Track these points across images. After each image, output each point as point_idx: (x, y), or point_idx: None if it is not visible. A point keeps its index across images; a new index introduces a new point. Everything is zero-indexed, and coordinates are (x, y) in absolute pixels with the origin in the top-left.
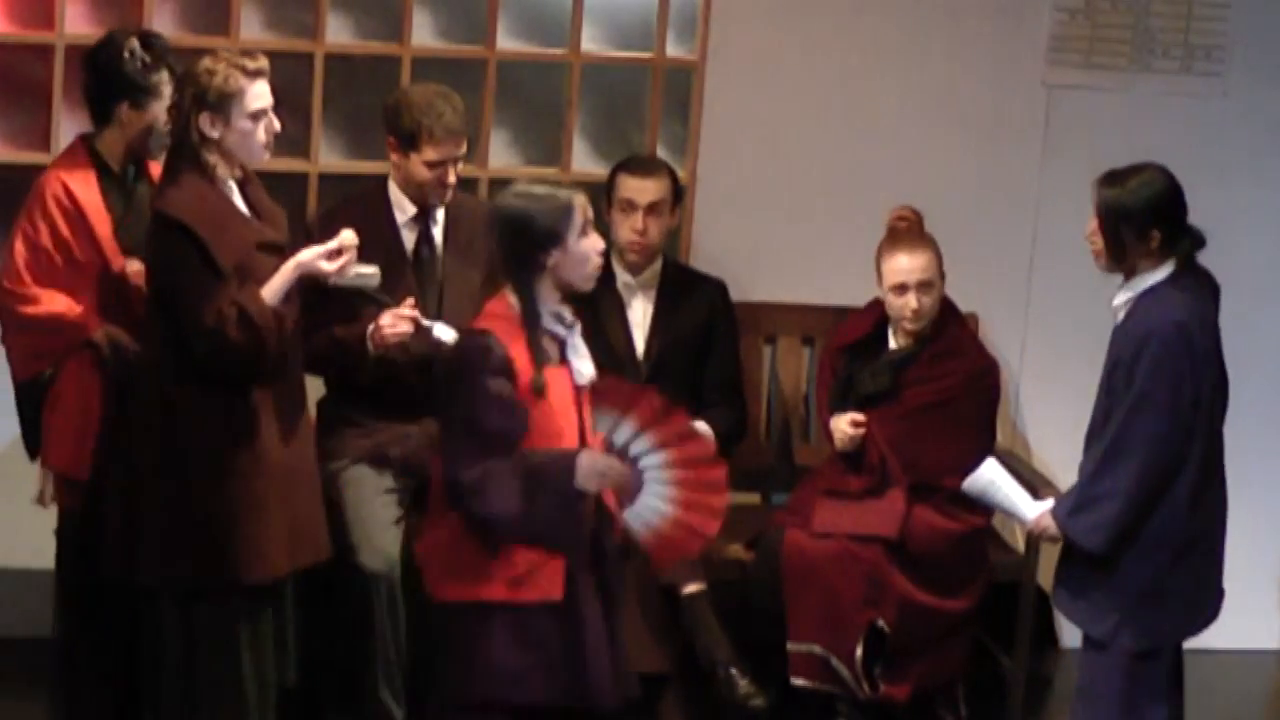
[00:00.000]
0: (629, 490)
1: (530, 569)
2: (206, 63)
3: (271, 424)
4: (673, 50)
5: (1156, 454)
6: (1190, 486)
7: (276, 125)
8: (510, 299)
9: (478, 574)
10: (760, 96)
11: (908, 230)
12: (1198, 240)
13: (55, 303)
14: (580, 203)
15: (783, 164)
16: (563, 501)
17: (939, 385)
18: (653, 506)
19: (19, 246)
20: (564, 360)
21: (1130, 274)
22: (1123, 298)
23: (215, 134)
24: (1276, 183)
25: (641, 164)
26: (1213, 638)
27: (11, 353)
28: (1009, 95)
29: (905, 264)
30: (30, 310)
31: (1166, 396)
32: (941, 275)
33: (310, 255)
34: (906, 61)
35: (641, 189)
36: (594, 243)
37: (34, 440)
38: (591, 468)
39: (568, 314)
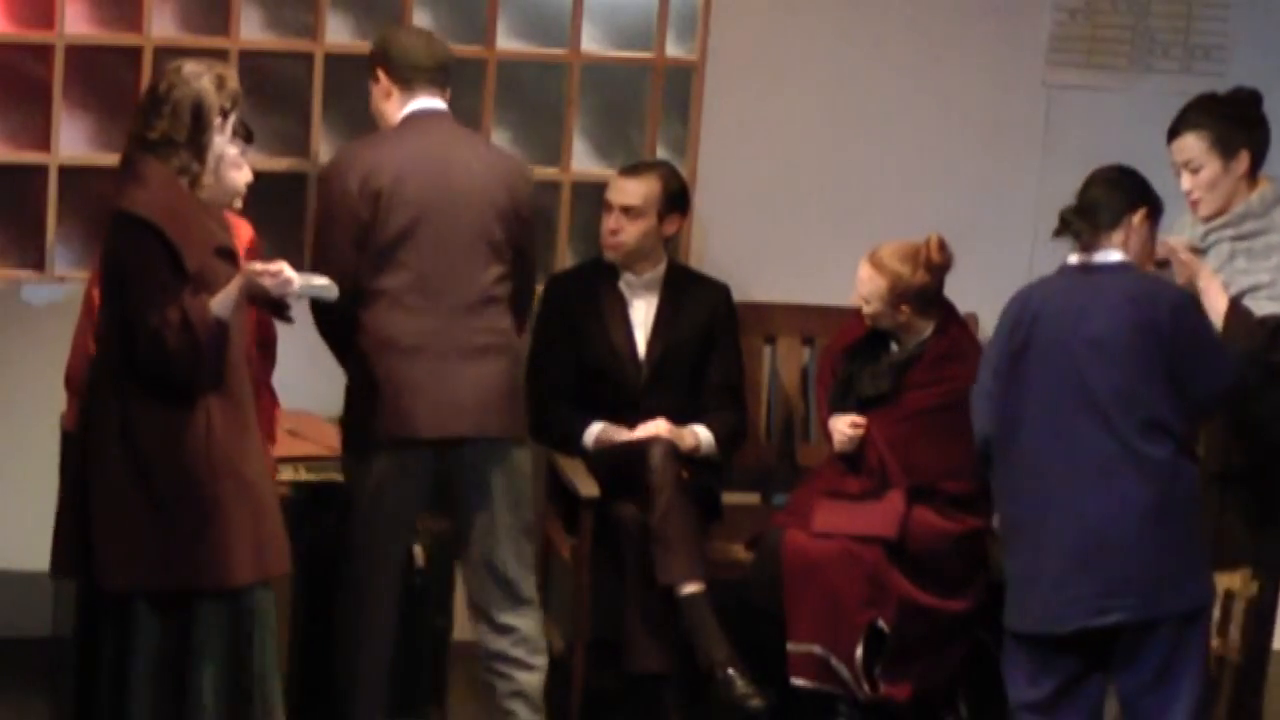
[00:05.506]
0: None
1: None
2: (214, 69)
3: (219, 431)
4: (673, 50)
5: (976, 404)
6: (1010, 475)
7: None
8: None
9: None
10: (760, 96)
11: None
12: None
13: None
14: None
15: (783, 164)
16: None
17: (940, 389)
18: None
19: (85, 317)
20: None
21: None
22: None
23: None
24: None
25: (631, 167)
26: None
27: (72, 404)
28: (1009, 95)
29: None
30: None
31: (987, 352)
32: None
33: (254, 269)
34: (906, 61)
35: (619, 189)
36: None
37: None
38: None
39: None
